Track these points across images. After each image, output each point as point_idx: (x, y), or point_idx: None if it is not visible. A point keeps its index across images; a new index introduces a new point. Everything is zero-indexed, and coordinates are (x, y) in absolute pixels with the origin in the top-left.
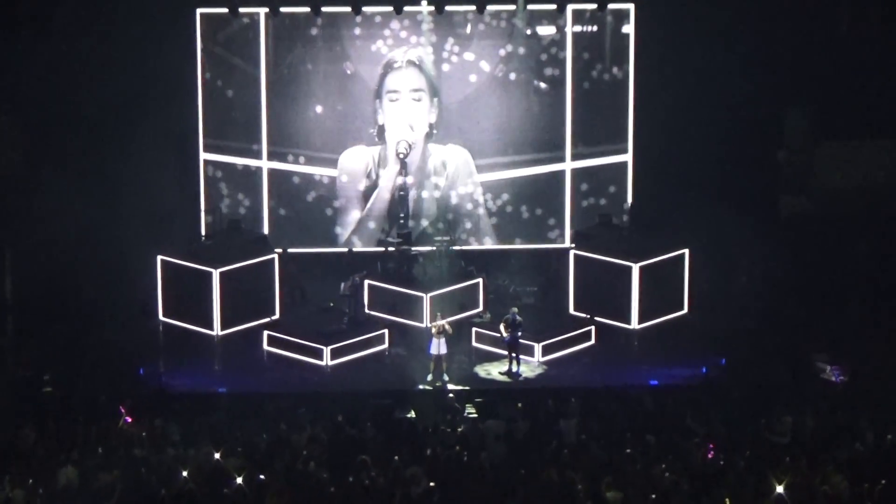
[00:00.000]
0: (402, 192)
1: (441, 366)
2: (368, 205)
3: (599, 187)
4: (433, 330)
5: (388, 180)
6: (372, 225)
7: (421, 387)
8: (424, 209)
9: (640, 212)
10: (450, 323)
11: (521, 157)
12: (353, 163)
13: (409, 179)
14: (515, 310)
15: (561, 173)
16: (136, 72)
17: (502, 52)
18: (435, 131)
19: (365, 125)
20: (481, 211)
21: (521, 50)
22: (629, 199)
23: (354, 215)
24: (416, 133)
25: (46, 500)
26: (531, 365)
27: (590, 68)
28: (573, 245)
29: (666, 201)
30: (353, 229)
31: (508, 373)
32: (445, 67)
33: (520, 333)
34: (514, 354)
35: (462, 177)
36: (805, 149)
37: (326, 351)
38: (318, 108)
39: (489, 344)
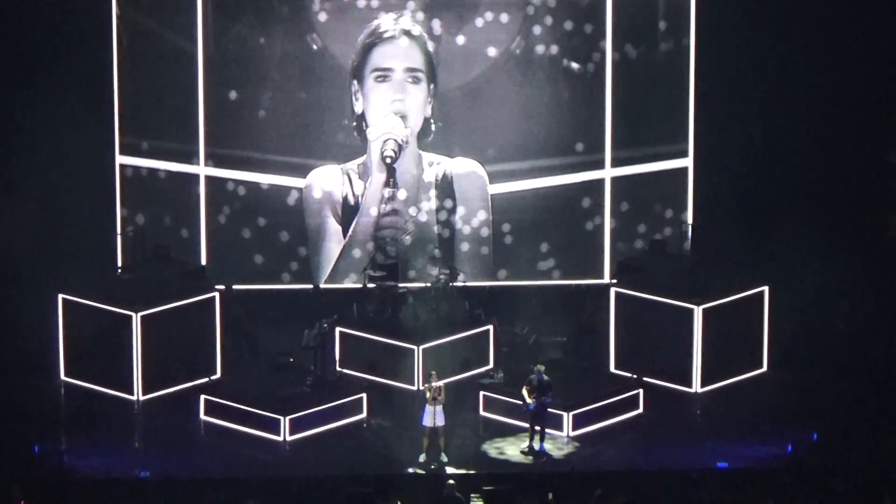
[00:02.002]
0: (390, 209)
1: (438, 442)
2: (350, 229)
3: (650, 202)
4: (427, 394)
5: (374, 194)
6: (357, 254)
7: (411, 470)
8: (422, 234)
9: (704, 235)
10: (444, 386)
11: (545, 163)
12: (327, 178)
13: (402, 194)
14: (541, 368)
15: (598, 184)
16: (32, 43)
17: (519, 22)
18: (433, 127)
19: (336, 118)
20: (486, 232)
21: (548, 19)
22: (689, 219)
23: (331, 245)
24: (407, 128)
25: None
26: (559, 441)
27: (637, 42)
28: (615, 280)
29: (739, 222)
30: (332, 263)
31: (529, 451)
32: (444, 42)
33: (549, 399)
34: (537, 427)
35: (473, 201)
36: None
37: (284, 422)
38: (274, 96)
39: (502, 413)
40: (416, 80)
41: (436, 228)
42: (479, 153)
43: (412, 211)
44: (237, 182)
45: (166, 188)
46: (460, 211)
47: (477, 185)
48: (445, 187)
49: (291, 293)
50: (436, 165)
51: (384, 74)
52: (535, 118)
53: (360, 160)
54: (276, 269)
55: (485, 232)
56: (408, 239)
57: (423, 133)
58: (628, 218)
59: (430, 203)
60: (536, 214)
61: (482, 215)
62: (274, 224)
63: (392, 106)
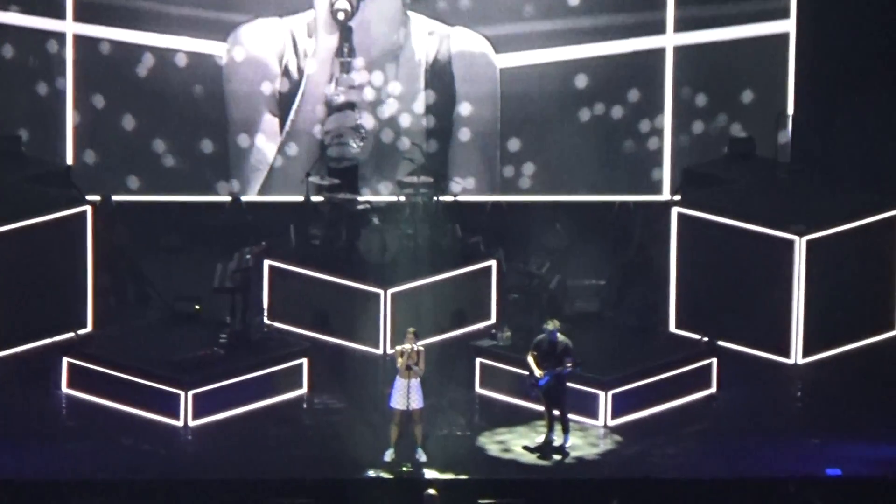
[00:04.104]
0: (345, 89)
1: (413, 432)
2: (290, 117)
3: (730, 84)
4: (399, 362)
5: (322, 66)
6: (298, 153)
7: (372, 474)
8: (394, 127)
9: (810, 133)
10: (423, 350)
11: (579, 23)
12: (259, 39)
13: (359, 62)
14: (554, 325)
15: (656, 56)
16: None
17: None
18: None
19: None
20: (492, 122)
21: None
22: (789, 111)
23: (263, 141)
24: None
25: None
26: (592, 433)
27: None
28: (677, 197)
29: (863, 114)
30: (263, 168)
31: (547, 448)
32: None
33: (567, 370)
34: (556, 412)
35: (478, 92)
36: None
37: (185, 399)
38: None
39: (509, 390)
40: None
41: (419, 121)
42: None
43: (381, 92)
44: (122, 46)
45: (16, 54)
46: (457, 103)
47: (485, 72)
48: (440, 71)
49: (200, 209)
50: (429, 37)
51: None
52: None
53: (310, 13)
54: (178, 174)
55: (490, 123)
56: (367, 134)
57: None
58: (698, 106)
59: (411, 87)
60: (564, 101)
61: (488, 106)
62: (176, 108)
63: None
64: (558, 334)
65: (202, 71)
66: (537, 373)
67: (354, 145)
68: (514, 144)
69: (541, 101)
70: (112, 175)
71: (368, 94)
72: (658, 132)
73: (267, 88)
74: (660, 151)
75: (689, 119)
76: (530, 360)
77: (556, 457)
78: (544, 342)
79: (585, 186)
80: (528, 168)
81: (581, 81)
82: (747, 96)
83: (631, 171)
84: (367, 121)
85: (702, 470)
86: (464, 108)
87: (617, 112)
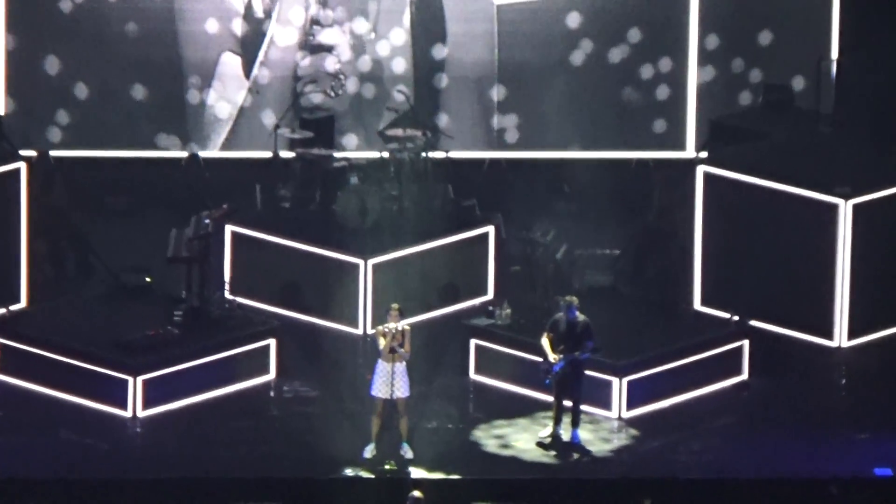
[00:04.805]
0: (321, 29)
1: (398, 425)
2: (257, 60)
3: (766, 23)
4: (381, 343)
5: (295, 1)
6: (260, 100)
7: (350, 472)
8: (377, 73)
9: (858, 80)
10: (409, 329)
11: None
12: None
13: None
14: (572, 301)
15: None
16: None
17: None
18: None
19: None
20: (490, 67)
21: None
22: (833, 52)
23: (227, 87)
24: None
25: None
26: (605, 427)
27: None
28: (703, 154)
29: None
30: (228, 120)
31: (553, 442)
32: None
33: (586, 355)
34: (567, 402)
35: (470, 32)
36: None
37: (134, 385)
38: None
39: (508, 376)
40: None
41: (404, 62)
42: None
43: (362, 32)
44: None
45: None
46: (447, 46)
47: (479, 8)
48: (428, 8)
49: (153, 166)
50: None
51: None
52: None
53: None
54: (127, 124)
55: (485, 67)
56: (346, 81)
57: None
58: (727, 50)
59: (396, 27)
60: (571, 39)
61: (483, 48)
62: (122, 46)
63: None
64: (577, 313)
65: (141, 6)
66: (552, 357)
67: (332, 93)
68: (512, 92)
69: (539, 45)
70: (33, 125)
71: (348, 35)
72: (680, 73)
73: (228, 27)
74: (682, 99)
75: (702, 63)
76: (545, 342)
77: (564, 453)
78: (562, 322)
79: (598, 141)
80: (530, 119)
81: (573, 21)
82: (765, 37)
83: (648, 121)
84: (347, 65)
85: (730, 469)
86: (455, 52)
87: (615, 55)
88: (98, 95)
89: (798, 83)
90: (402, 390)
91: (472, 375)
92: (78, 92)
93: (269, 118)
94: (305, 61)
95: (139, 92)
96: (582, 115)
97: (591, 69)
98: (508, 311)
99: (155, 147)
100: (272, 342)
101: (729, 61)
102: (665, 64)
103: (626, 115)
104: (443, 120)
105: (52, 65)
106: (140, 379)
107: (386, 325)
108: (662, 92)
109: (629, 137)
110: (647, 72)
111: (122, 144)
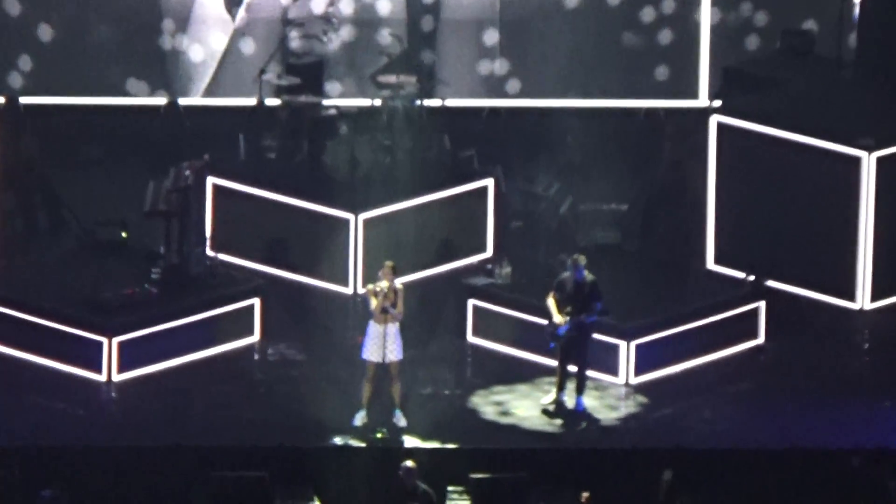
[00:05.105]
0: None
1: (390, 390)
2: (242, 4)
3: None
4: (373, 303)
5: None
6: (252, 49)
7: (339, 441)
8: (374, 14)
9: (879, 28)
10: (402, 289)
11: None
12: None
13: None
14: (580, 260)
15: None
16: None
17: None
18: None
19: None
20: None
21: None
22: None
23: (209, 33)
24: None
25: None
26: (611, 393)
27: None
28: (717, 102)
29: None
30: (211, 66)
31: (557, 409)
32: None
33: (593, 318)
34: (572, 367)
35: None
36: None
37: (109, 347)
38: None
39: (509, 339)
40: None
41: (396, 3)
42: None
43: None
44: None
45: None
46: None
47: None
48: None
49: (130, 114)
50: None
51: None
52: None
53: None
54: (102, 71)
55: (487, 11)
56: (339, 24)
57: None
58: None
59: None
60: None
61: None
62: None
63: None
64: (584, 272)
65: None
66: (558, 319)
67: (322, 37)
68: (511, 36)
69: None
70: (17, 66)
71: None
72: (690, 14)
73: None
74: (694, 40)
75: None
76: (551, 303)
77: (567, 422)
78: (568, 282)
79: (603, 89)
80: (531, 65)
81: None
82: None
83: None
84: (338, 7)
85: (745, 439)
86: None
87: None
88: (63, 38)
89: (810, 26)
90: (394, 353)
91: (470, 338)
92: (41, 34)
93: (253, 63)
94: (296, 2)
95: (107, 34)
96: (584, 61)
97: (590, 13)
98: (508, 269)
99: (125, 93)
100: (256, 302)
101: (737, 3)
102: (668, 5)
103: (630, 61)
104: (438, 65)
105: (13, 5)
106: (115, 340)
107: (378, 283)
108: (665, 36)
109: (637, 86)
110: (648, 15)
111: (89, 90)
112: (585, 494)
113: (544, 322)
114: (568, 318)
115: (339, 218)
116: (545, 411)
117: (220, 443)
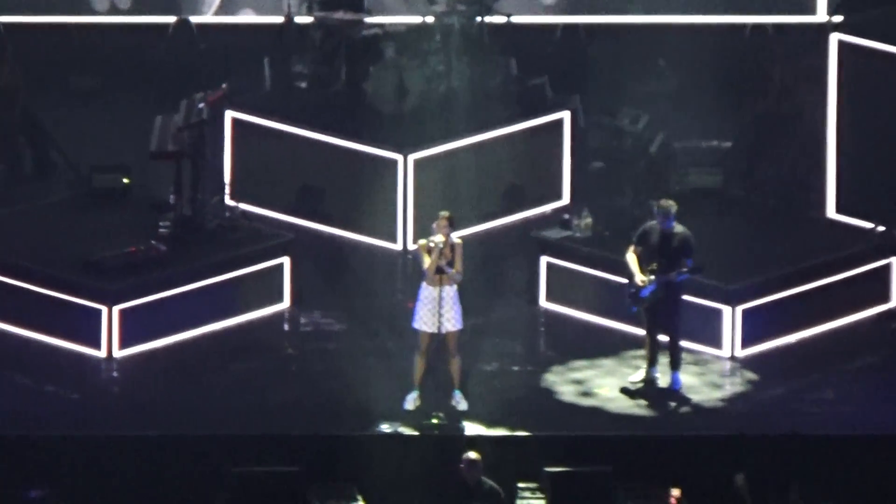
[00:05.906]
0: None
1: (449, 368)
2: None
3: None
4: (426, 260)
5: None
6: None
7: (387, 428)
8: None
9: None
10: (461, 243)
11: None
12: None
13: None
14: (669, 206)
15: None
16: None
17: None
18: None
19: None
20: None
21: None
22: None
23: None
24: None
25: None
26: (713, 369)
27: None
28: (836, 17)
29: None
30: None
31: (646, 385)
32: None
33: (684, 276)
34: (662, 337)
35: None
36: None
37: (109, 316)
38: None
39: (588, 306)
40: None
41: None
42: None
43: None
44: None
45: None
46: None
47: None
48: None
49: (131, 35)
50: None
51: None
52: None
53: None
54: None
55: None
56: None
57: None
58: None
59: None
60: None
61: None
62: None
63: None
64: (675, 222)
65: None
66: (640, 279)
67: None
68: None
69: None
70: None
71: None
72: None
73: None
74: None
75: None
76: (631, 258)
77: (660, 403)
78: (654, 233)
79: (701, 3)
80: None
81: None
82: None
83: None
84: None
85: (873, 423)
86: None
87: None
88: None
89: None
90: (452, 322)
91: (543, 303)
92: None
93: None
94: None
95: None
96: None
97: None
98: (589, 220)
99: (124, 11)
100: (286, 261)
101: None
102: None
103: None
104: None
105: None
106: (116, 309)
107: (432, 238)
108: None
109: None
110: None
111: (82, 7)
112: (676, 492)
113: (624, 281)
114: (653, 277)
115: (385, 159)
116: (633, 391)
117: (243, 432)
